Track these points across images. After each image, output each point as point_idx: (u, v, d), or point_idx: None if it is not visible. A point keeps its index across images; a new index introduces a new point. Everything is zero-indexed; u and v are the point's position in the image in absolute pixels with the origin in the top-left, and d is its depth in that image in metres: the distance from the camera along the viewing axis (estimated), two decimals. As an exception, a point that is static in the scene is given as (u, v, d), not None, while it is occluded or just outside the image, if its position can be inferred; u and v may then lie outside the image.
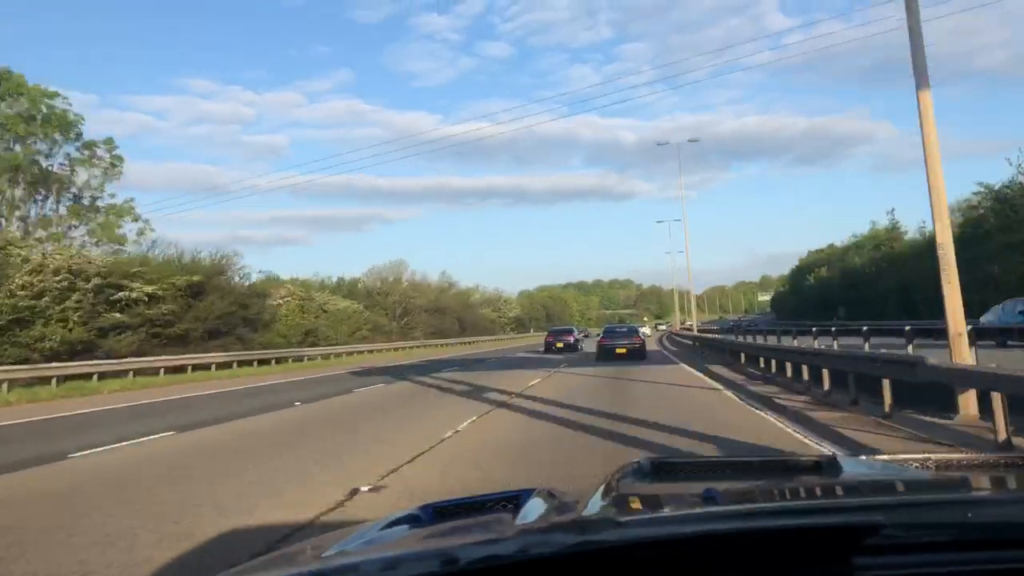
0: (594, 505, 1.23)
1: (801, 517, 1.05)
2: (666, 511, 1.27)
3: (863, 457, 1.93)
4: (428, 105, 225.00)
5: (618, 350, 25.56)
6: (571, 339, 36.75)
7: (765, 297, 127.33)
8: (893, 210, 54.93)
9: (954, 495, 1.31)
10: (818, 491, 1.44)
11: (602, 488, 1.36)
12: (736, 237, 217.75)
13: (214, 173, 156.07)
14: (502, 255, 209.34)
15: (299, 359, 33.21)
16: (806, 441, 7.91)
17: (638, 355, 25.37)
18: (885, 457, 1.95)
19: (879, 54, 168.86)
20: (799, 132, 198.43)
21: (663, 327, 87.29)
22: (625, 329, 30.19)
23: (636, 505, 1.33)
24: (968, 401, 7.96)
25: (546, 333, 40.26)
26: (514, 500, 1.41)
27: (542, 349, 36.50)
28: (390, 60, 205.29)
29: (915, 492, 1.38)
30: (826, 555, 0.98)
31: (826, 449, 7.31)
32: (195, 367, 25.94)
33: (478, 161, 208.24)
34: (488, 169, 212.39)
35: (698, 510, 1.14)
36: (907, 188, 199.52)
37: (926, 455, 1.70)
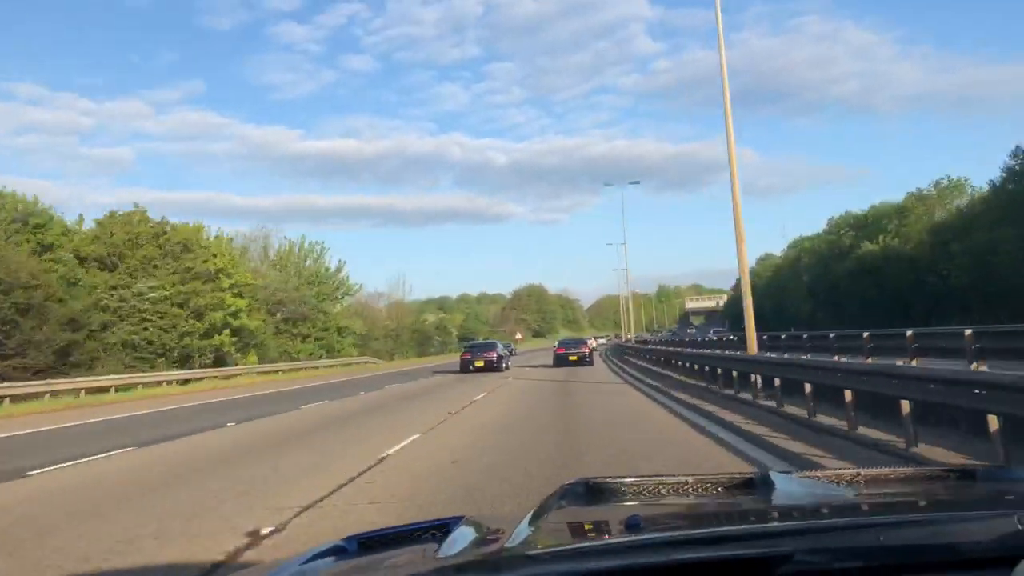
0: (518, 535, 1.28)
1: (715, 547, 1.11)
2: (583, 543, 1.33)
3: (795, 474, 2.04)
4: (288, 119, 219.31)
5: (571, 357, 32.99)
6: (493, 356, 32.23)
7: (697, 304, 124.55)
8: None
9: (868, 518, 1.36)
10: (738, 516, 1.52)
11: (531, 515, 1.43)
12: (614, 257, 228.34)
13: (48, 188, 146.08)
14: (368, 277, 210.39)
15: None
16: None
17: (586, 361, 33.11)
18: (818, 474, 2.05)
19: (741, 81, 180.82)
20: (666, 157, 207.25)
21: (602, 340, 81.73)
22: (575, 341, 38.76)
23: (555, 537, 1.38)
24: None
25: (462, 351, 36.58)
26: (443, 529, 1.45)
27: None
28: (245, 71, 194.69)
29: (831, 516, 1.43)
30: None
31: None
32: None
33: (343, 180, 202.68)
34: (354, 188, 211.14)
35: (615, 540, 1.23)
36: (769, 211, 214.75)
37: (856, 471, 1.79)
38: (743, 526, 1.40)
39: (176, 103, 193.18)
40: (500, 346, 36.25)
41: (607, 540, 1.28)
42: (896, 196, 64.42)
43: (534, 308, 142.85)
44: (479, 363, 31.65)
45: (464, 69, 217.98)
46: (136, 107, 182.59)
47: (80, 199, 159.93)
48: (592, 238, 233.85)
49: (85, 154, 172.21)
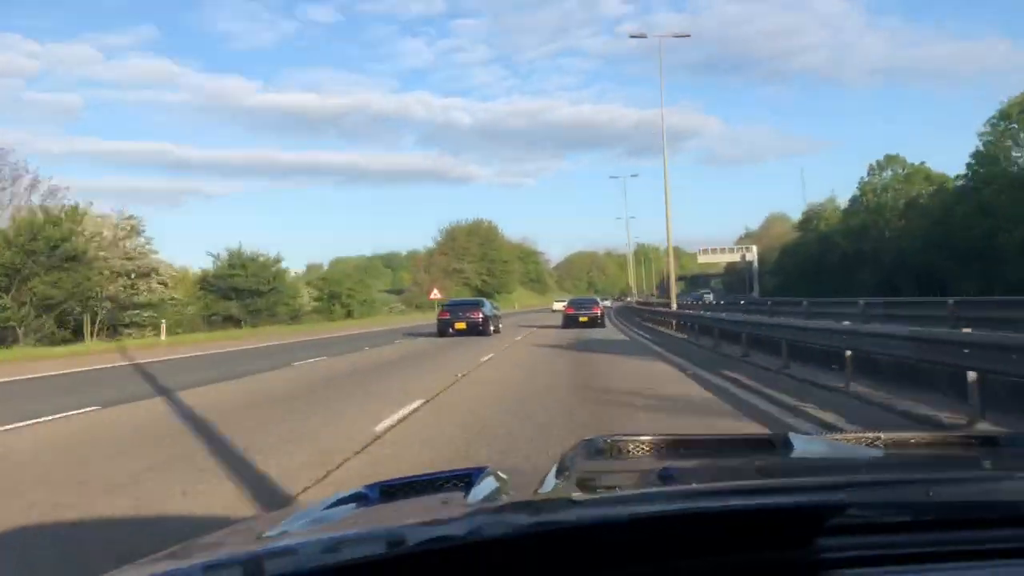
0: (548, 484, 1.31)
1: (765, 496, 1.09)
2: (623, 491, 1.34)
3: (813, 435, 2.22)
4: (246, 70, 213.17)
5: (581, 318, 31.72)
6: (478, 317, 27.69)
7: (711, 258, 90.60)
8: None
9: (915, 474, 1.38)
10: (779, 470, 1.54)
11: (555, 467, 1.43)
12: (585, 217, 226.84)
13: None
14: (325, 234, 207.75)
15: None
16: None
17: (598, 323, 31.84)
18: (836, 436, 2.06)
19: (709, 48, 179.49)
20: (632, 123, 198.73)
21: (606, 302, 63.01)
22: (586, 301, 36.64)
23: (592, 484, 1.40)
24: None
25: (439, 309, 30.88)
26: (466, 479, 1.45)
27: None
28: (200, 17, 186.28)
29: (876, 471, 1.46)
30: (789, 535, 1.04)
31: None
32: None
33: (305, 135, 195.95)
34: (316, 144, 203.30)
35: (656, 489, 1.20)
36: (736, 181, 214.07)
37: (876, 434, 1.74)
38: (791, 478, 1.38)
39: (127, 49, 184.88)
40: (488, 306, 30.57)
41: (650, 489, 1.24)
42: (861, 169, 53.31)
43: (477, 254, 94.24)
44: (460, 325, 27.47)
45: (428, 24, 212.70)
46: (84, 51, 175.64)
47: (29, 146, 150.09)
48: (559, 202, 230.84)
49: (32, 99, 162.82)
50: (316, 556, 0.95)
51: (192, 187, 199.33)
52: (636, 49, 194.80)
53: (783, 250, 74.01)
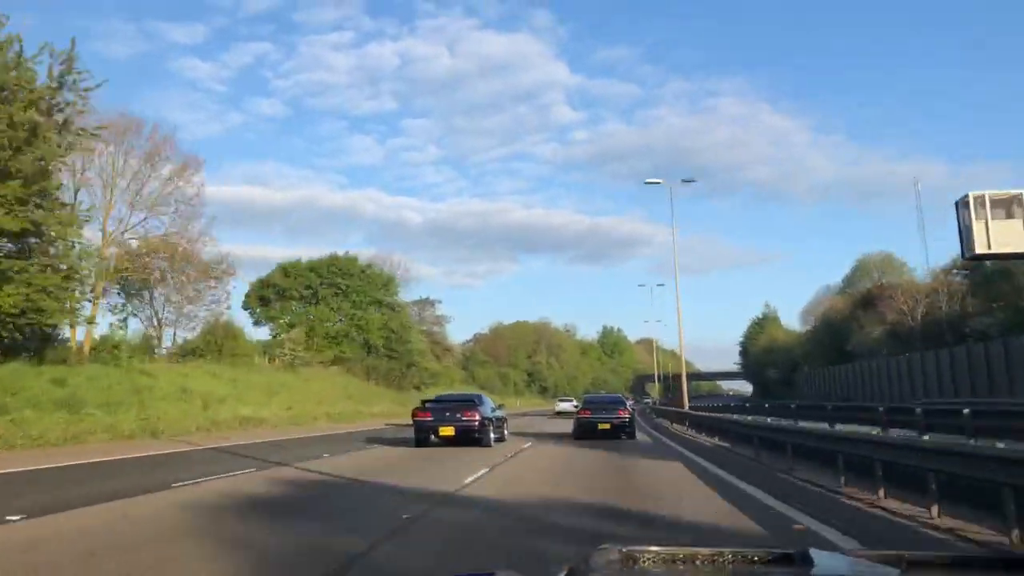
0: None
1: None
2: None
3: (835, 552, 2.10)
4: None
5: (601, 425, 23.93)
6: (474, 420, 20.12)
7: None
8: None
9: None
10: None
11: (564, 572, 1.41)
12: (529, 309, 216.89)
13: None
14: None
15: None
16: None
17: (626, 433, 24.12)
18: (859, 552, 2.03)
19: (657, 159, 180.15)
20: (583, 230, 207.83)
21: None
22: (608, 401, 27.25)
23: None
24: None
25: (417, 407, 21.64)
26: None
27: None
28: (143, 105, 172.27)
29: None
30: None
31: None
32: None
33: (249, 229, 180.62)
34: (260, 239, 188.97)
35: None
36: (686, 290, 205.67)
37: (900, 553, 1.71)
38: None
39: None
40: (488, 404, 22.40)
41: None
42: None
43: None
44: (446, 430, 20.04)
45: (379, 122, 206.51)
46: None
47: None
48: (507, 305, 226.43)
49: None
50: None
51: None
52: (586, 156, 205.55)
53: None
